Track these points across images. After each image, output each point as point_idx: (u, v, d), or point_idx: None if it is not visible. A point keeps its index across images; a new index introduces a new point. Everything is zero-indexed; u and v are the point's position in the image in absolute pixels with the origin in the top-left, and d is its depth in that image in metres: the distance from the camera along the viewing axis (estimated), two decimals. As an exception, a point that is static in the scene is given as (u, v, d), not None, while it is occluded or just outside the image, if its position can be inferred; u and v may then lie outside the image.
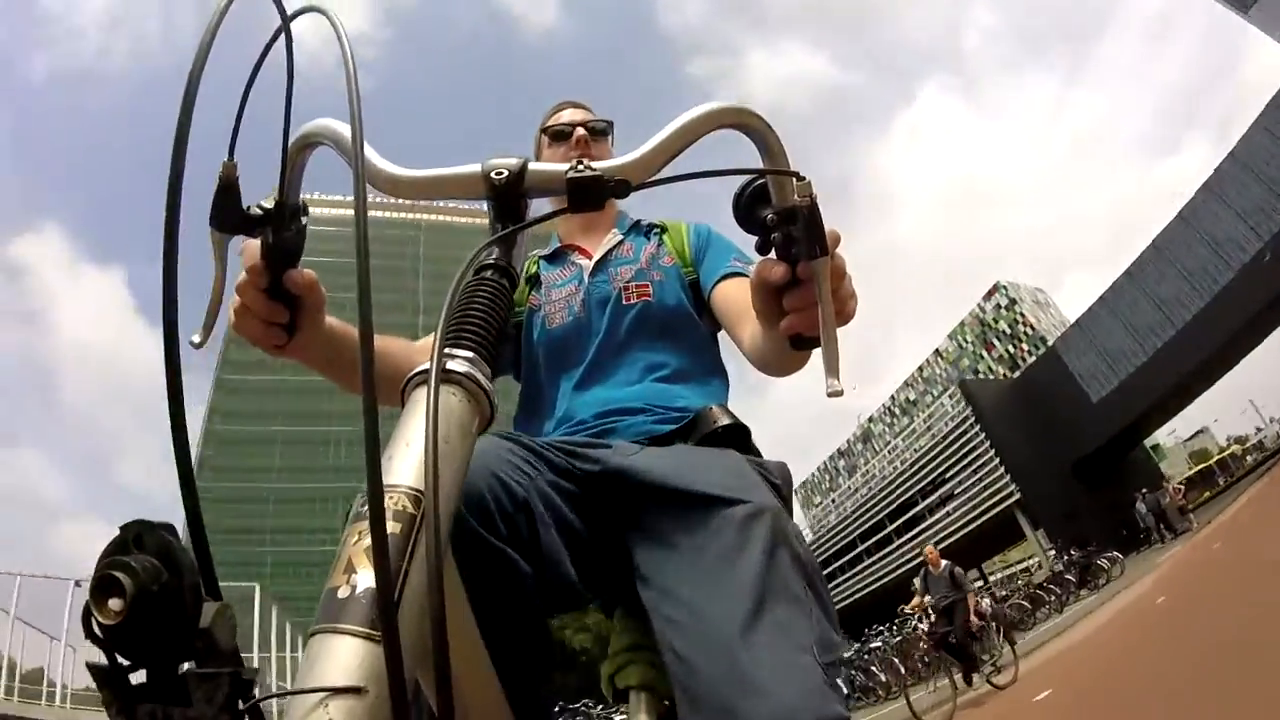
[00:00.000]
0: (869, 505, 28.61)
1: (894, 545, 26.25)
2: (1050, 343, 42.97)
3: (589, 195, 0.61)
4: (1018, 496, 21.37)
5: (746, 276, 1.09)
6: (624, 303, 1.14)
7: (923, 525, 24.94)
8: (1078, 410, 22.14)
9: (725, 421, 0.98)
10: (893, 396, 71.57)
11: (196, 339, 0.63)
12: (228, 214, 0.62)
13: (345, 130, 0.59)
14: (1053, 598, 13.11)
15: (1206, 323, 20.46)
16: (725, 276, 1.15)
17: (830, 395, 0.60)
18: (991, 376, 57.48)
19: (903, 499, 26.58)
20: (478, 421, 0.51)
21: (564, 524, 0.83)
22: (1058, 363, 24.09)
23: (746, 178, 0.66)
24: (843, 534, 29.47)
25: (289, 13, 0.52)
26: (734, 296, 1.10)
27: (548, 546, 0.79)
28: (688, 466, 0.85)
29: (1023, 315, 58.05)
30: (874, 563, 27.04)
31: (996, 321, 61.00)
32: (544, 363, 1.15)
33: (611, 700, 0.91)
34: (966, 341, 64.01)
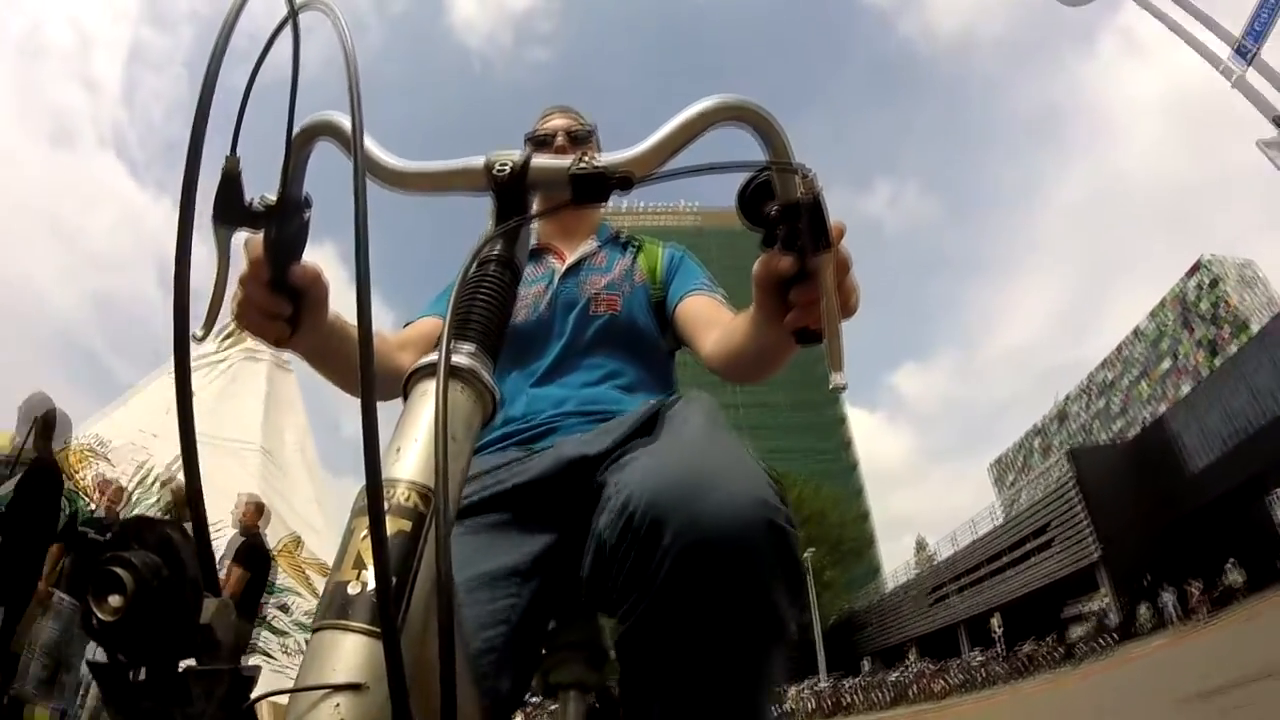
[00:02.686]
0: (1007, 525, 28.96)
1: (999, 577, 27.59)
2: (1251, 327, 42.09)
3: (592, 189, 0.60)
4: (1100, 554, 25.39)
5: (713, 297, 1.17)
6: (590, 312, 1.16)
7: (1026, 564, 28.86)
8: (1178, 480, 25.70)
9: None
10: (1090, 375, 69.69)
11: (199, 332, 0.63)
12: (230, 208, 0.62)
13: (347, 123, 0.56)
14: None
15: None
16: (692, 292, 1.18)
17: (833, 390, 0.60)
18: (1190, 361, 55.81)
19: (1016, 536, 30.04)
20: (480, 417, 0.50)
21: (509, 542, 0.85)
22: (1165, 433, 27.29)
23: (750, 172, 0.65)
24: (1014, 529, 28.86)
25: (295, 6, 0.51)
26: (699, 309, 1.15)
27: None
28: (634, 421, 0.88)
29: (1225, 296, 54.40)
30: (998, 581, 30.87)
31: (1199, 301, 57.18)
32: (501, 356, 1.15)
33: (542, 695, 0.92)
34: (1167, 321, 61.05)
